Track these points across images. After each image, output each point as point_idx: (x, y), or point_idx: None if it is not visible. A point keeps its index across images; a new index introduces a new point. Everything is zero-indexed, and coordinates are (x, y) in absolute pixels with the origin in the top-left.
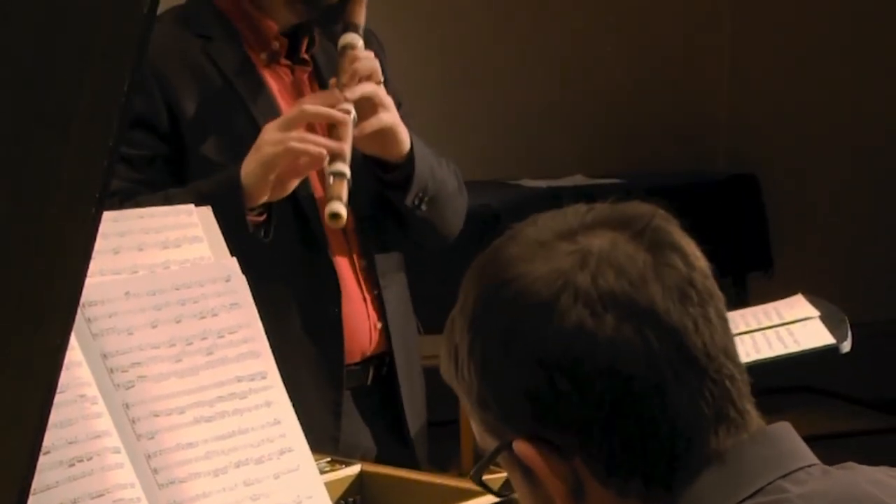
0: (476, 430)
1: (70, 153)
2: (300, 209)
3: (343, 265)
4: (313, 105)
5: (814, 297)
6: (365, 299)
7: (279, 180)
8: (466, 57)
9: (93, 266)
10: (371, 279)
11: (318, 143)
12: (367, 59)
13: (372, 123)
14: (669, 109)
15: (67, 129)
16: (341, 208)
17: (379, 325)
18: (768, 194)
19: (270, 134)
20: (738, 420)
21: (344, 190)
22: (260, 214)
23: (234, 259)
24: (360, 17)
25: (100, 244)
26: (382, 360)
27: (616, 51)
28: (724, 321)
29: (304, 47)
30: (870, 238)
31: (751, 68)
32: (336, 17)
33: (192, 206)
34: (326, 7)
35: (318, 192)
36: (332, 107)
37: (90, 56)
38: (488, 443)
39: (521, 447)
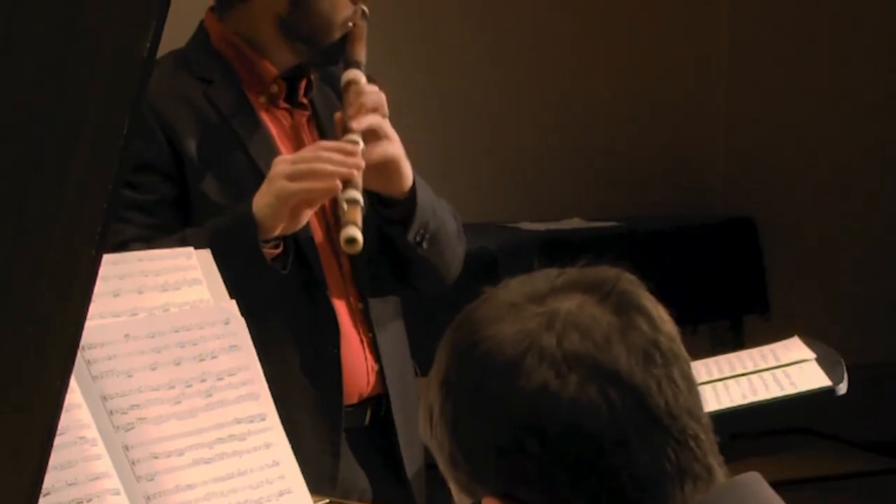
0: (453, 490)
1: (70, 196)
2: (300, 252)
3: (341, 307)
4: (324, 164)
5: (810, 339)
6: (362, 341)
7: (293, 212)
8: (464, 100)
9: (93, 309)
10: (366, 322)
11: (330, 171)
12: (372, 93)
13: (377, 153)
14: (666, 154)
15: (67, 172)
16: (357, 233)
17: (376, 367)
18: (765, 237)
19: (283, 167)
20: (705, 475)
21: (359, 215)
22: (275, 247)
23: (233, 302)
24: (361, 54)
25: (100, 287)
26: (380, 402)
27: (614, 96)
28: (690, 382)
29: (302, 91)
30: (865, 280)
31: (747, 113)
32: (336, 57)
33: (191, 249)
34: (327, 47)
35: (317, 236)
36: (344, 149)
37: (89, 99)
38: (464, 502)
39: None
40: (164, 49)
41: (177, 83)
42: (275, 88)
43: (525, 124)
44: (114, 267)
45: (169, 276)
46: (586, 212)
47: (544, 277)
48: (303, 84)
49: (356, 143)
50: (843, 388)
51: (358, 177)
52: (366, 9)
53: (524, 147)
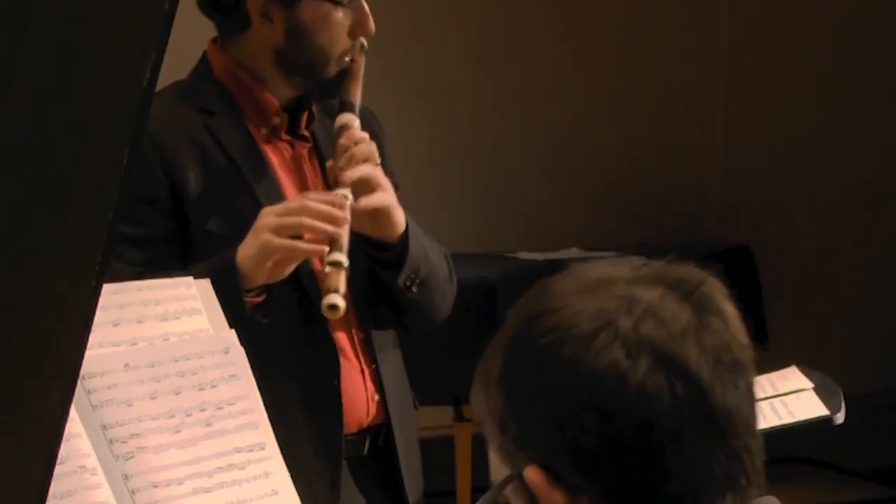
0: (492, 461)
1: (70, 226)
2: (299, 283)
3: (341, 338)
4: (315, 203)
5: (807, 368)
6: (363, 371)
7: (276, 264)
8: (462, 130)
9: (93, 338)
10: (368, 352)
11: (317, 228)
12: (364, 143)
13: (368, 202)
14: (664, 184)
15: (67, 203)
16: (339, 300)
17: (377, 398)
18: (762, 267)
19: (269, 219)
20: (746, 491)
21: (342, 281)
22: (258, 295)
23: (233, 331)
24: (356, 95)
25: (99, 316)
26: (379, 431)
27: (612, 127)
28: (752, 396)
29: (303, 123)
30: (863, 310)
31: (744, 143)
32: (333, 92)
33: (190, 278)
34: (324, 81)
35: (317, 266)
36: (332, 203)
37: (89, 130)
38: (502, 473)
39: (532, 474)
40: (165, 80)
41: (178, 115)
42: (276, 120)
43: (523, 156)
44: (114, 297)
45: (169, 306)
46: (584, 242)
47: (629, 265)
48: (304, 116)
49: (345, 197)
50: (840, 418)
51: (344, 237)
52: (365, 43)
53: (523, 178)
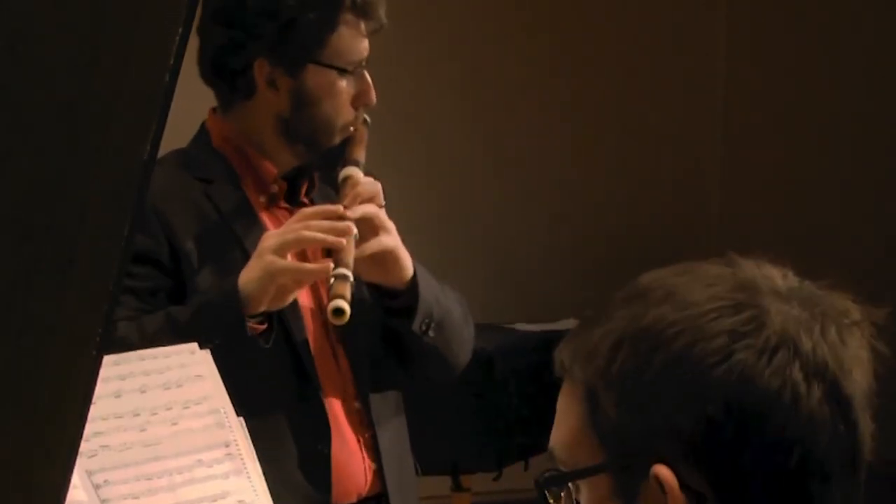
0: (564, 442)
1: (71, 297)
2: (295, 351)
3: (336, 407)
4: (313, 232)
5: None
6: (359, 440)
7: (279, 290)
8: (460, 200)
9: (94, 410)
10: (365, 421)
11: (320, 239)
12: (368, 184)
13: (373, 245)
14: (661, 256)
15: (68, 275)
16: (345, 304)
17: (373, 467)
18: None
19: (271, 241)
20: None
21: (347, 289)
22: (261, 323)
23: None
24: (361, 155)
25: (101, 389)
26: (378, 501)
27: (608, 197)
28: None
29: (303, 191)
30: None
31: (740, 213)
32: (335, 161)
33: (194, 345)
34: (327, 150)
35: (314, 338)
36: (333, 218)
37: (90, 202)
38: (580, 457)
39: (665, 473)
40: (165, 148)
41: (177, 182)
42: (275, 188)
43: (520, 227)
44: (115, 368)
45: (171, 374)
46: (581, 313)
47: (785, 275)
48: (304, 184)
49: (351, 222)
50: None
51: (348, 253)
52: (367, 117)
53: (519, 250)
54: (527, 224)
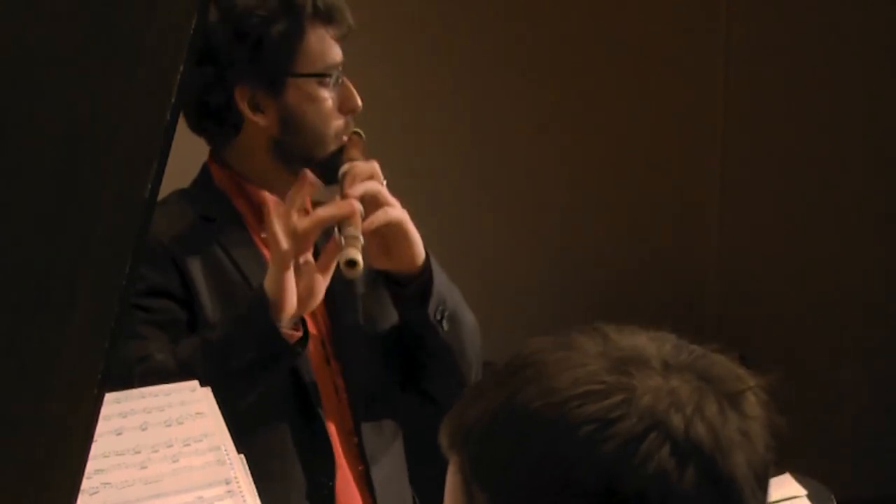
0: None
1: (72, 337)
2: (300, 383)
3: (335, 439)
4: (320, 214)
5: (801, 476)
6: (353, 474)
7: (306, 286)
8: (457, 247)
9: (95, 448)
10: (360, 454)
11: (337, 204)
12: (366, 164)
13: (380, 216)
14: (660, 300)
15: (69, 314)
16: (358, 255)
17: (371, 501)
18: (757, 373)
19: (283, 235)
20: None
21: (359, 247)
22: (295, 328)
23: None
24: (357, 157)
25: (102, 426)
26: None
27: (605, 242)
28: None
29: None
30: (857, 417)
31: (739, 257)
32: (334, 174)
33: (195, 382)
34: (323, 160)
35: (315, 370)
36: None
37: (90, 242)
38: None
39: None
40: (167, 189)
41: (181, 220)
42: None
43: (521, 272)
44: (116, 405)
45: (172, 411)
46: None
47: (655, 342)
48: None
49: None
50: None
51: (357, 227)
52: (361, 132)
53: (517, 296)
54: (525, 268)
